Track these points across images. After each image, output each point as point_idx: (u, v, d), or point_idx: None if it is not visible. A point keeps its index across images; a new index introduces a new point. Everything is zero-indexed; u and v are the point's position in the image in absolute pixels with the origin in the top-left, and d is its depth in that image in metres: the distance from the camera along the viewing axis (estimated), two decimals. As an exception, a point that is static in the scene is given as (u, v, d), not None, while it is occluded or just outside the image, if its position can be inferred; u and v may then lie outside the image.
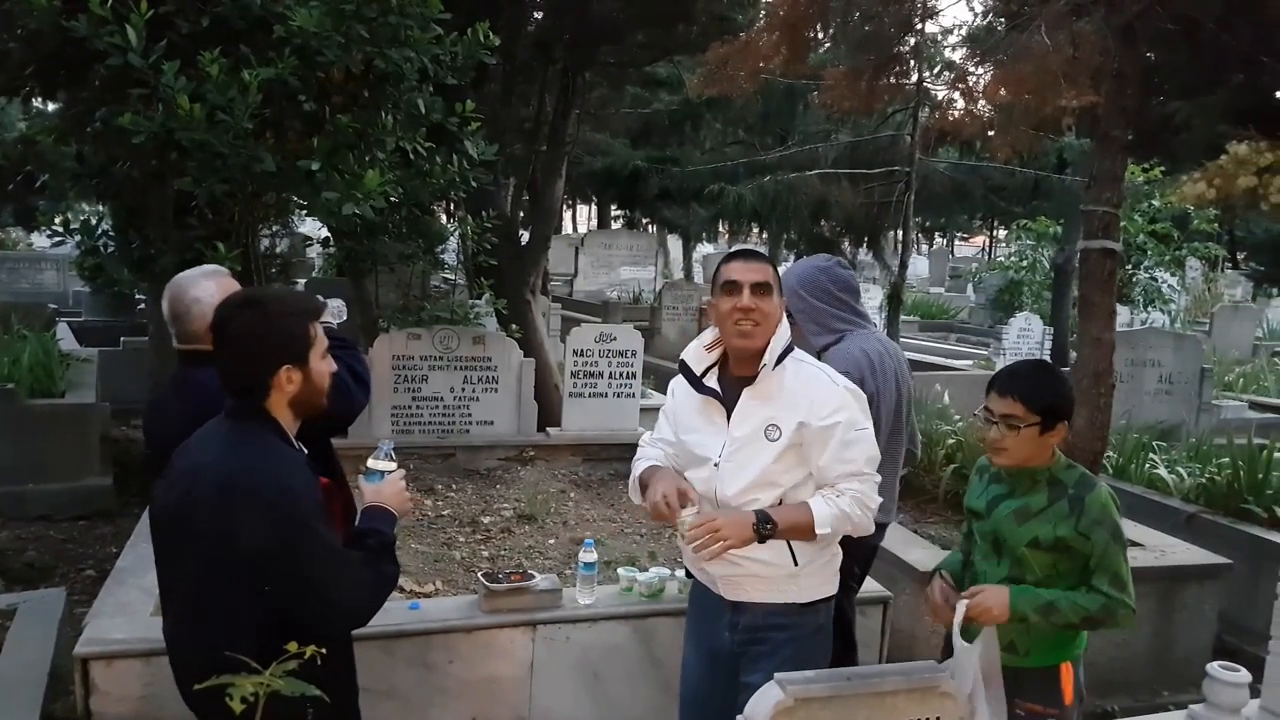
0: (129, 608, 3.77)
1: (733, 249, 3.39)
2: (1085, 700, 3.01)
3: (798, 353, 2.82)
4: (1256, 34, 5.72)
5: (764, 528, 2.61)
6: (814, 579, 2.81)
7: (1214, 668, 3.41)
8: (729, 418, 2.78)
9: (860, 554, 3.80)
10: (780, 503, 2.71)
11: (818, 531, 2.64)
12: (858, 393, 2.80)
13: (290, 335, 2.34)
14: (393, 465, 2.60)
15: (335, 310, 2.62)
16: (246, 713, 1.53)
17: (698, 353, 2.89)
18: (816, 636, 2.87)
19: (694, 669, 3.06)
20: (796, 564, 2.74)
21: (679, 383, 2.95)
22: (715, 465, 2.77)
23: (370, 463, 2.59)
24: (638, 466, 2.97)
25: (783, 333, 2.76)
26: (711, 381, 2.83)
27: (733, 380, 2.80)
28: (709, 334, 2.89)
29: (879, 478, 2.78)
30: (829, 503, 2.67)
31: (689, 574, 3.11)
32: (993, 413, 2.85)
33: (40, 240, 10.25)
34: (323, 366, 2.43)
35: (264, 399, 2.32)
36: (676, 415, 2.95)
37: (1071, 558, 2.79)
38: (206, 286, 2.84)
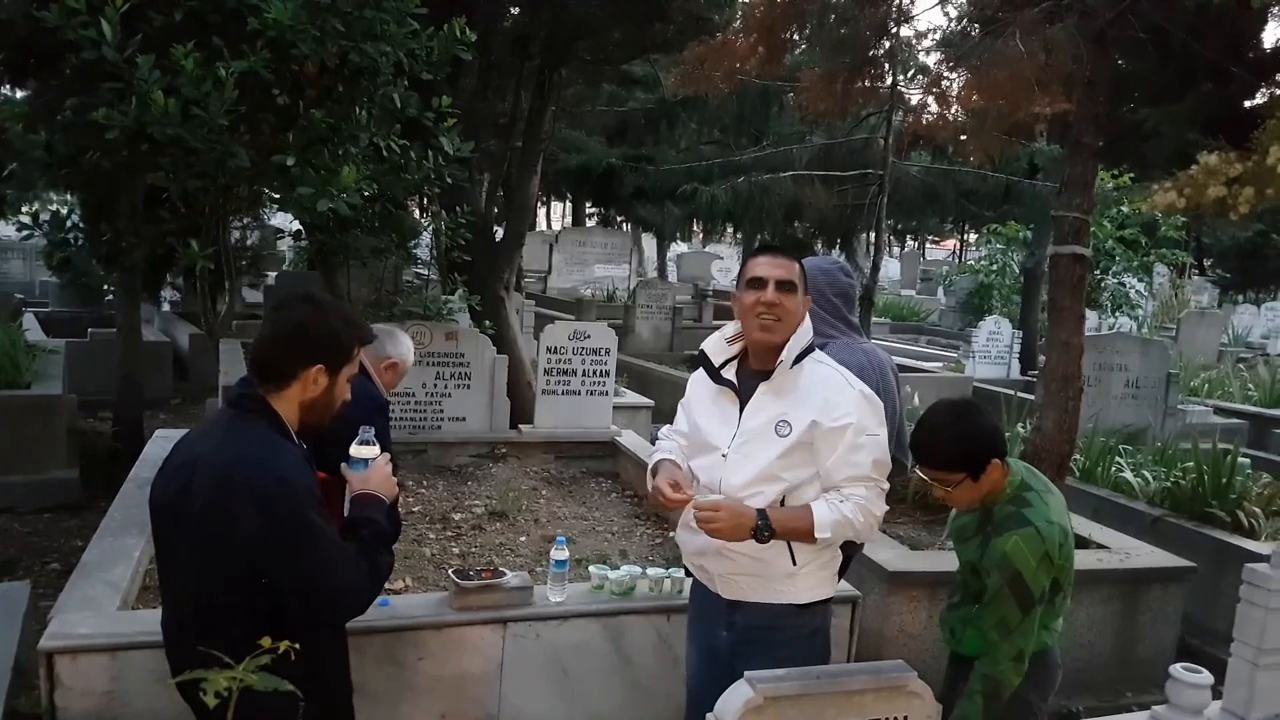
0: (94, 602, 3.73)
1: (760, 245, 3.43)
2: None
3: (818, 354, 2.83)
4: (1225, 44, 5.81)
5: (762, 533, 2.62)
6: (811, 580, 2.80)
7: (1177, 669, 3.45)
8: (741, 410, 2.80)
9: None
10: (783, 499, 2.71)
11: (817, 536, 2.65)
12: (873, 398, 2.79)
13: (337, 340, 2.41)
14: (376, 450, 2.58)
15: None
16: (221, 707, 1.53)
17: (719, 344, 2.92)
18: (813, 639, 2.85)
19: (696, 666, 3.09)
20: (795, 564, 2.74)
21: (699, 372, 2.98)
22: (723, 456, 2.79)
23: (354, 450, 2.57)
24: (653, 458, 3.02)
25: (804, 332, 2.77)
26: (730, 374, 2.86)
27: (750, 374, 2.83)
28: (731, 327, 2.92)
29: (887, 485, 2.78)
30: (831, 508, 2.67)
31: (688, 572, 3.11)
32: None
33: (7, 230, 10.11)
34: (345, 389, 2.48)
35: (282, 389, 2.35)
36: (691, 404, 2.99)
37: None
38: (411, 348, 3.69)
